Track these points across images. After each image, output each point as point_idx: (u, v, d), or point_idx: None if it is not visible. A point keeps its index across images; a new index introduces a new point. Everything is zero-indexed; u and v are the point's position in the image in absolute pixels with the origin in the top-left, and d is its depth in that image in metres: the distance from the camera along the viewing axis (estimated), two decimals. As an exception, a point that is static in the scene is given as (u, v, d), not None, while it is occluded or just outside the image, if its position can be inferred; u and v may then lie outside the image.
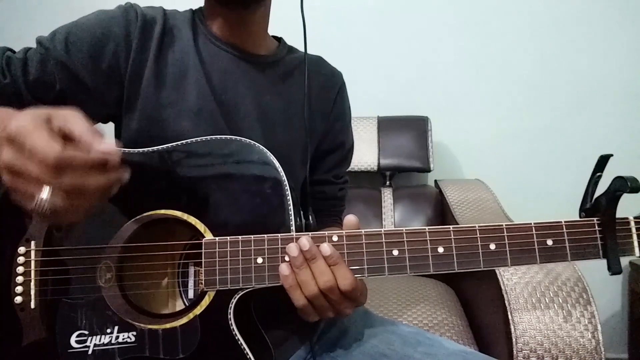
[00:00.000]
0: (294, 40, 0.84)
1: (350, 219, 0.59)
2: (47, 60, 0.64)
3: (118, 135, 0.74)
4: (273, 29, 0.80)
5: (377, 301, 1.11)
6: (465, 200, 1.39)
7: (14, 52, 0.67)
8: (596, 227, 0.57)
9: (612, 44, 1.63)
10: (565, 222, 0.57)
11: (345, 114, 0.87)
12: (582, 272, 0.86)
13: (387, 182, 1.60)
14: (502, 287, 0.86)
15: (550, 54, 1.66)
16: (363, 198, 1.52)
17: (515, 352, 0.80)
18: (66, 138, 0.47)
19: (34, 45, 0.67)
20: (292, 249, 0.56)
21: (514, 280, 0.86)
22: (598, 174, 0.60)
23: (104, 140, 0.49)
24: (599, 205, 0.58)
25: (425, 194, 1.56)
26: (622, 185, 0.55)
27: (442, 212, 1.50)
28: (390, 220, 1.50)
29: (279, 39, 0.84)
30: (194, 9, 0.77)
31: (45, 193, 0.44)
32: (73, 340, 0.57)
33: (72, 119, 0.49)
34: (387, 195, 1.55)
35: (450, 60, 1.69)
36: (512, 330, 0.81)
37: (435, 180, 1.62)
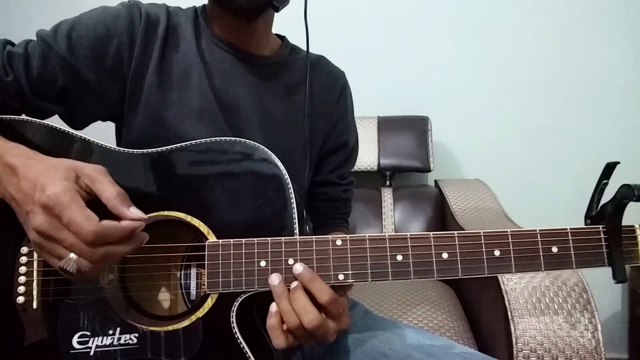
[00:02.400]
0: (296, 38, 0.84)
1: None
2: (49, 56, 0.64)
3: (119, 134, 0.74)
4: (275, 28, 0.80)
5: (377, 301, 1.11)
6: (465, 200, 1.39)
7: (13, 44, 0.66)
8: (602, 234, 0.57)
9: (612, 44, 1.63)
10: (570, 229, 0.57)
11: (347, 113, 0.87)
12: (582, 272, 0.86)
13: (387, 182, 1.60)
14: (502, 288, 0.86)
15: (550, 54, 1.65)
16: (363, 198, 1.52)
17: (515, 352, 0.80)
18: (92, 193, 0.51)
19: (33, 37, 0.66)
20: (274, 278, 0.55)
21: (514, 280, 0.86)
22: (604, 181, 0.59)
23: (130, 204, 0.52)
24: (605, 213, 0.57)
25: (425, 194, 1.56)
26: (629, 193, 0.54)
27: (442, 212, 1.50)
28: (390, 220, 1.50)
29: (282, 37, 0.83)
30: (197, 6, 0.77)
31: (72, 257, 0.47)
32: (75, 341, 0.57)
33: (98, 178, 0.51)
34: (387, 195, 1.55)
35: (451, 60, 1.69)
36: (512, 330, 0.81)
37: (435, 180, 1.62)
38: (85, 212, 0.47)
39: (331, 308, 0.55)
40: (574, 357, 0.77)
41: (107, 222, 0.48)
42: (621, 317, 1.71)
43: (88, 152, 0.60)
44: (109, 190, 0.51)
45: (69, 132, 0.61)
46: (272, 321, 0.55)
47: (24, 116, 0.62)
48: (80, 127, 0.70)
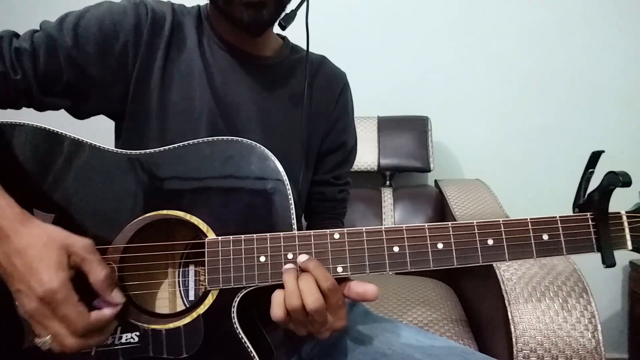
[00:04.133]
0: (296, 38, 0.84)
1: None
2: (54, 51, 0.63)
3: (118, 133, 0.74)
4: (276, 28, 0.80)
5: (377, 301, 1.11)
6: (465, 200, 1.39)
7: (18, 36, 0.65)
8: (590, 221, 0.59)
9: (612, 44, 1.63)
10: (559, 217, 0.59)
11: (347, 114, 0.87)
12: (582, 272, 0.86)
13: (387, 182, 1.60)
14: (502, 287, 0.86)
15: (550, 54, 1.66)
16: (363, 198, 1.52)
17: (515, 352, 0.80)
18: (79, 269, 0.53)
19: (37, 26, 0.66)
20: (288, 265, 0.57)
21: (514, 280, 0.86)
22: (590, 170, 0.61)
23: (114, 288, 0.55)
24: (592, 201, 0.59)
25: (425, 194, 1.56)
26: (614, 179, 0.56)
27: (442, 212, 1.50)
28: (390, 220, 1.50)
29: (282, 37, 0.84)
30: (200, 5, 0.77)
31: (49, 339, 0.51)
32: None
33: (88, 258, 0.53)
34: (387, 195, 1.55)
35: (451, 60, 1.69)
36: (512, 330, 0.81)
37: (435, 180, 1.62)
38: (78, 309, 0.51)
39: (332, 296, 0.55)
40: (574, 357, 0.77)
41: (95, 316, 0.52)
42: (621, 317, 1.71)
43: (86, 154, 0.61)
44: (97, 273, 0.53)
45: (68, 135, 0.61)
46: (278, 292, 0.56)
47: (26, 120, 0.62)
48: (83, 118, 0.71)
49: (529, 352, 0.79)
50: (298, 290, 0.54)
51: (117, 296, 0.55)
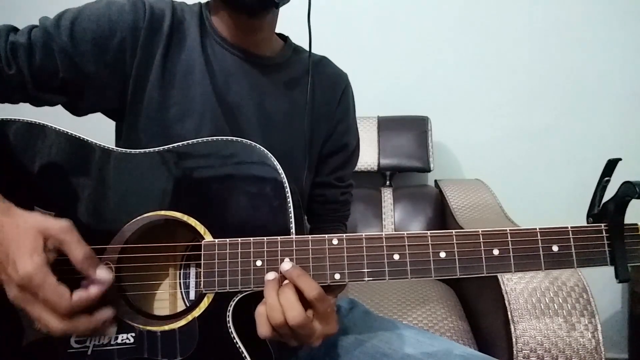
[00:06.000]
0: (298, 38, 0.84)
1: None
2: (51, 48, 0.63)
3: (119, 132, 0.74)
4: (277, 28, 0.80)
5: (377, 301, 1.11)
6: (465, 200, 1.39)
7: (17, 30, 0.65)
8: (604, 233, 0.56)
9: (612, 44, 1.63)
10: (571, 227, 0.56)
11: (349, 115, 0.86)
12: (582, 272, 0.86)
13: (387, 182, 1.60)
14: (502, 288, 0.86)
15: (550, 54, 1.65)
16: (363, 198, 1.52)
17: (515, 352, 0.80)
18: (60, 252, 0.52)
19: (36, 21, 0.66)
20: (270, 274, 0.56)
21: (514, 280, 0.86)
22: (606, 178, 0.58)
23: (98, 265, 0.54)
24: (607, 211, 0.56)
25: (425, 194, 1.56)
26: (630, 190, 0.53)
27: (442, 212, 1.50)
28: (390, 220, 1.50)
29: (285, 38, 0.83)
30: (202, 2, 0.76)
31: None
32: (72, 340, 0.57)
33: (66, 239, 0.52)
34: (387, 195, 1.55)
35: (451, 60, 1.69)
36: (512, 330, 0.80)
37: (435, 180, 1.62)
38: (57, 291, 0.50)
39: (319, 305, 0.54)
40: (574, 357, 0.77)
41: (77, 296, 0.51)
42: (621, 317, 1.71)
43: (87, 152, 0.61)
44: (76, 252, 0.52)
45: (68, 133, 0.61)
46: (260, 309, 0.55)
47: (26, 117, 0.62)
48: (80, 115, 0.71)
49: (529, 352, 0.79)
50: (279, 304, 0.53)
51: (102, 273, 0.53)
